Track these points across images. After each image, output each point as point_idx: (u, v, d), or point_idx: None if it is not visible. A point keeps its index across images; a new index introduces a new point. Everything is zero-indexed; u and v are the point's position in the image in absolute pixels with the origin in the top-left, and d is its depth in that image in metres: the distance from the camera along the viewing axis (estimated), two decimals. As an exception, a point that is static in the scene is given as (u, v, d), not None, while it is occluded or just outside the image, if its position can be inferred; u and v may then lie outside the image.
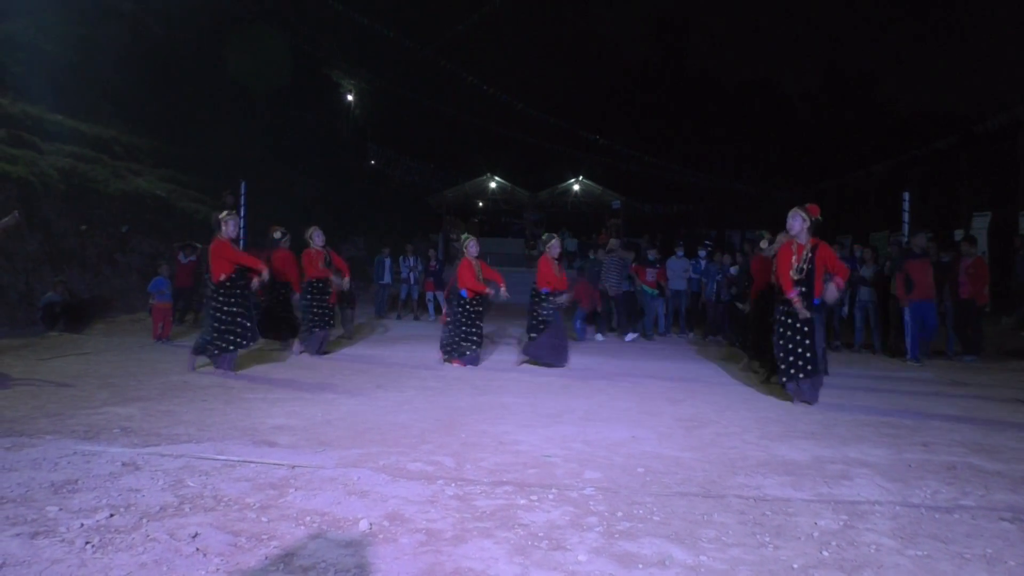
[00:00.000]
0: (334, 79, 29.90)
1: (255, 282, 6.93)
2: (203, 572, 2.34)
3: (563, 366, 7.70)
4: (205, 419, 4.66)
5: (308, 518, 2.85)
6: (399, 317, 13.60)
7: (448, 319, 7.94)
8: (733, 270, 11.27)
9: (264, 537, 2.63)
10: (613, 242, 12.68)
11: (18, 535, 2.56)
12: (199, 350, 6.72)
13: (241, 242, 8.57)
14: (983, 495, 3.39)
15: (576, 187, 24.88)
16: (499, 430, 4.58)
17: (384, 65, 28.22)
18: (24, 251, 10.64)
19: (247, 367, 7.04)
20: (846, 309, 10.24)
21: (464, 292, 7.70)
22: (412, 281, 13.62)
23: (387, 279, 13.75)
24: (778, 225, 6.09)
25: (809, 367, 5.60)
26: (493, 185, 25.01)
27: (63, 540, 2.53)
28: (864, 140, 27.34)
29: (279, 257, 8.59)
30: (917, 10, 33.55)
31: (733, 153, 32.47)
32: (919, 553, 2.64)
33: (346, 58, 28.15)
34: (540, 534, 2.75)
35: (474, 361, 7.73)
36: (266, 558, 2.45)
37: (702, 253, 12.00)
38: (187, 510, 2.90)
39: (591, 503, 3.14)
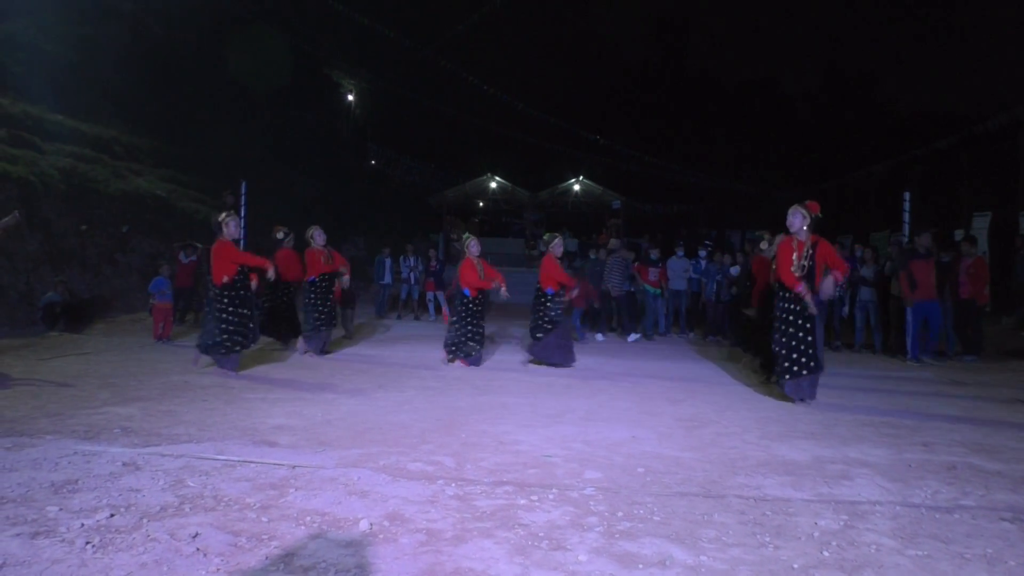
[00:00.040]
0: (334, 79, 29.91)
1: (254, 283, 6.95)
2: (203, 572, 2.34)
3: (571, 366, 7.73)
4: (205, 419, 4.66)
5: (308, 518, 2.85)
6: (399, 317, 13.60)
7: (452, 318, 7.95)
8: (733, 270, 11.27)
9: (264, 537, 2.63)
10: (614, 242, 12.68)
11: (18, 535, 2.56)
12: (206, 350, 6.71)
13: (241, 242, 8.57)
14: (983, 495, 3.39)
15: (576, 187, 24.87)
16: (499, 430, 4.58)
17: (384, 65, 28.23)
18: (24, 251, 10.64)
19: (247, 367, 7.03)
20: (846, 309, 10.24)
21: (467, 291, 7.71)
22: (412, 281, 13.62)
23: (387, 279, 13.75)
24: (778, 225, 6.09)
25: (812, 363, 5.60)
26: (493, 185, 25.00)
27: (63, 540, 2.53)
28: (864, 140, 27.33)
29: (282, 257, 8.62)
30: (917, 10, 33.60)
31: (733, 153, 32.46)
32: (919, 553, 2.64)
33: (346, 58, 28.16)
34: (540, 534, 2.75)
35: (476, 361, 7.74)
36: (266, 558, 2.45)
37: (702, 253, 12.00)
38: (187, 510, 2.90)
39: (591, 503, 3.14)
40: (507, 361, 8.33)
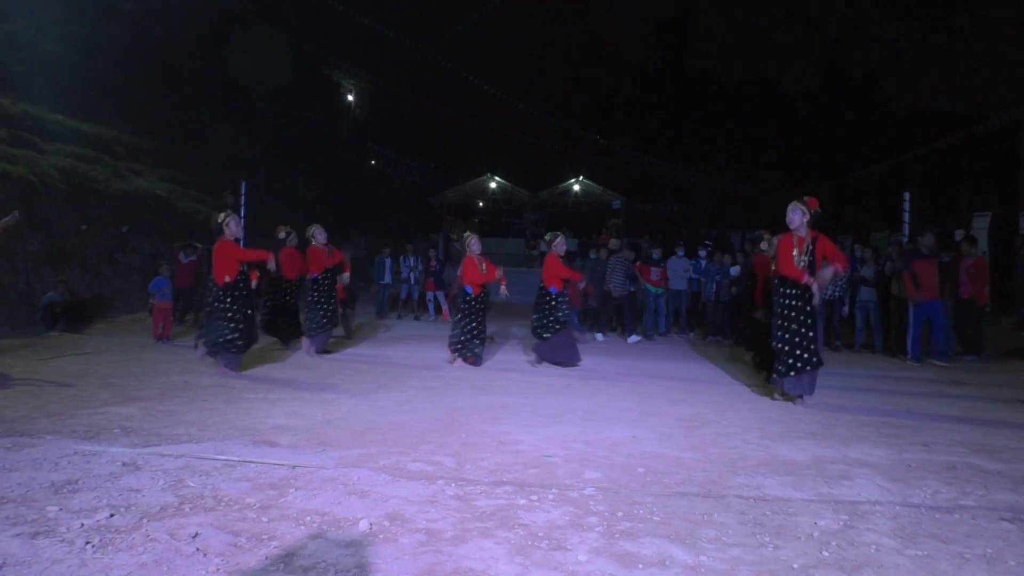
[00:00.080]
0: (334, 79, 29.91)
1: (255, 282, 6.97)
2: (203, 572, 2.34)
3: (576, 364, 7.74)
4: (205, 419, 4.66)
5: (308, 518, 2.85)
6: (399, 317, 13.60)
7: (456, 316, 7.95)
8: (733, 270, 11.27)
9: (264, 537, 2.63)
10: (614, 242, 12.67)
11: (18, 535, 2.56)
12: (215, 351, 6.69)
13: (242, 242, 8.60)
14: (983, 495, 3.39)
15: (576, 187, 24.86)
16: (499, 430, 4.58)
17: (384, 65, 28.23)
18: (25, 251, 10.64)
19: (247, 367, 7.03)
20: (846, 309, 10.24)
21: (469, 289, 7.71)
22: (412, 281, 13.62)
23: (387, 279, 13.75)
24: (778, 225, 6.09)
25: (815, 359, 5.61)
26: (493, 185, 25.00)
27: (63, 540, 2.53)
28: (864, 140, 27.32)
29: (285, 255, 8.68)
30: (917, 10, 33.56)
31: (733, 153, 32.45)
32: (919, 553, 2.64)
33: (346, 58, 28.15)
34: (540, 534, 2.75)
35: (478, 361, 7.75)
36: (266, 558, 2.45)
37: (702, 253, 12.00)
38: (187, 510, 2.90)
39: (591, 503, 3.14)
40: (507, 361, 8.33)
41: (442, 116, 27.70)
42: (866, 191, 21.32)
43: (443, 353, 8.12)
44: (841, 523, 2.95)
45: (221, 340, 6.59)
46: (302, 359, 7.92)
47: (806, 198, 5.85)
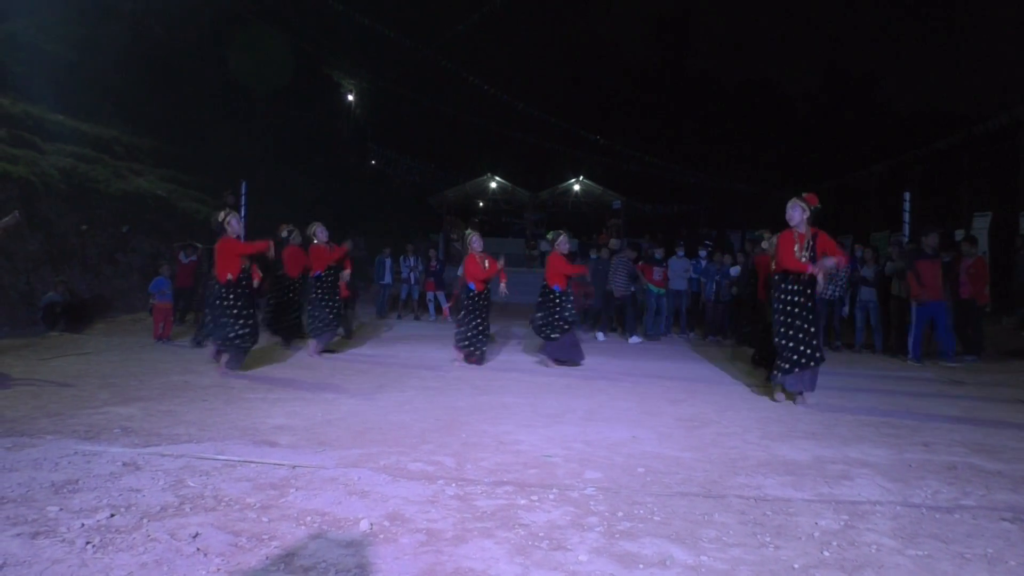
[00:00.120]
0: (334, 79, 29.91)
1: (257, 281, 6.99)
2: (204, 572, 2.34)
3: (581, 363, 7.76)
4: (206, 419, 4.66)
5: (309, 518, 2.85)
6: (400, 317, 13.61)
7: (460, 314, 7.95)
8: (734, 271, 11.27)
9: (265, 537, 2.63)
10: (615, 242, 12.68)
11: (19, 535, 2.56)
12: (226, 346, 6.69)
13: (242, 239, 8.63)
14: (984, 495, 3.39)
15: (576, 187, 24.86)
16: (500, 430, 4.58)
17: (384, 65, 28.24)
18: (25, 251, 10.64)
19: (247, 367, 7.02)
20: (846, 309, 10.24)
21: (472, 285, 7.72)
22: (412, 281, 13.63)
23: (388, 279, 13.76)
24: (778, 224, 6.09)
25: (818, 354, 5.60)
26: (493, 185, 24.99)
27: (64, 540, 2.53)
28: (864, 140, 27.32)
29: (288, 253, 8.71)
30: (917, 10, 33.57)
31: (733, 153, 32.46)
32: (920, 553, 2.64)
33: (346, 58, 28.16)
34: (541, 534, 2.75)
35: (482, 360, 7.75)
36: (267, 558, 2.45)
37: (702, 253, 12.00)
38: (188, 510, 2.90)
39: (592, 503, 3.14)
40: (507, 361, 8.33)
41: (442, 116, 27.72)
42: (866, 191, 21.32)
43: (443, 353, 8.13)
44: (842, 523, 2.95)
45: (231, 335, 6.61)
46: (302, 359, 7.92)
47: (805, 194, 5.85)
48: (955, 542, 2.75)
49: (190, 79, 18.49)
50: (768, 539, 2.75)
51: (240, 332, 6.61)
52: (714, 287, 11.54)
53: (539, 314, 7.89)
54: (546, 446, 4.18)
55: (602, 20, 48.86)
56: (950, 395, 6.46)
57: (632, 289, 11.18)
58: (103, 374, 6.46)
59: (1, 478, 3.22)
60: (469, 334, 7.67)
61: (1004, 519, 3.03)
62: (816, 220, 5.81)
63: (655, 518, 2.97)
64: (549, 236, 8.44)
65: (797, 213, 5.73)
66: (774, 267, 5.91)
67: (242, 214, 11.37)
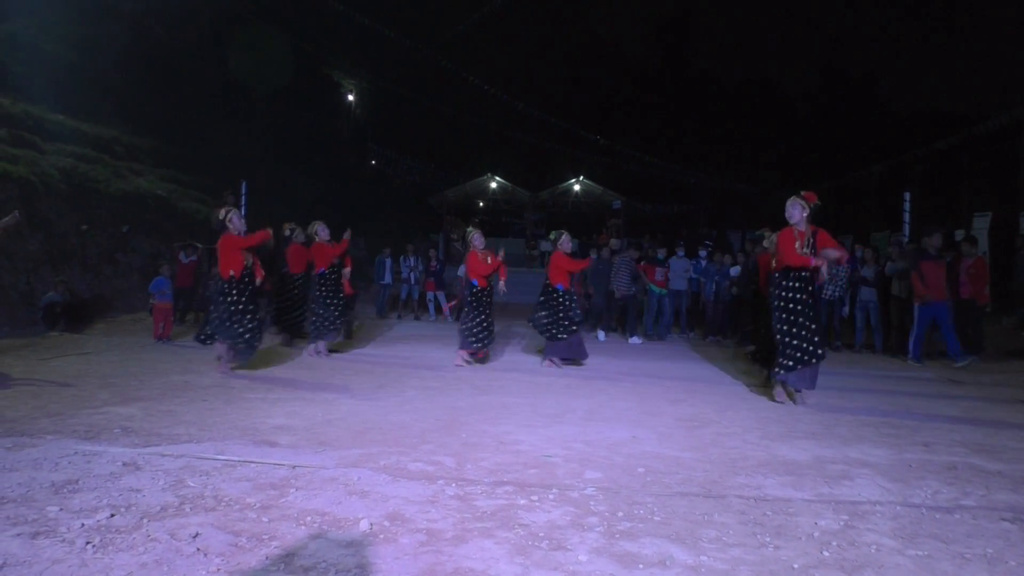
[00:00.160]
0: (334, 79, 29.91)
1: (260, 280, 6.99)
2: (204, 572, 2.34)
3: (584, 361, 7.78)
4: (206, 419, 4.66)
5: (309, 518, 2.85)
6: (400, 317, 13.61)
7: (465, 311, 7.95)
8: (734, 271, 11.27)
9: (265, 537, 2.63)
10: (615, 242, 12.68)
11: (19, 535, 2.56)
12: (234, 342, 6.68)
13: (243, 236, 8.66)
14: (984, 495, 3.39)
15: (577, 187, 24.86)
16: (500, 430, 4.58)
17: (384, 65, 28.23)
18: (25, 251, 10.65)
19: (247, 367, 7.03)
20: (846, 309, 10.24)
21: (475, 282, 7.73)
22: (412, 281, 13.63)
23: (388, 279, 13.76)
24: (778, 225, 6.09)
25: (820, 351, 5.60)
26: (494, 185, 24.99)
27: (64, 540, 2.53)
28: (864, 140, 27.31)
29: (291, 251, 8.75)
30: (917, 10, 33.56)
31: (733, 153, 32.47)
32: (920, 553, 2.64)
33: (346, 58, 28.15)
34: (541, 534, 2.75)
35: (486, 357, 7.76)
36: (267, 558, 2.45)
37: (702, 253, 12.00)
38: (188, 510, 2.90)
39: (592, 503, 3.14)
40: (507, 361, 8.33)
41: (442, 116, 27.70)
42: (866, 191, 21.31)
43: (443, 353, 8.13)
44: (841, 523, 2.95)
45: (242, 332, 6.62)
46: (303, 359, 7.92)
47: (803, 192, 5.86)
48: (955, 542, 2.75)
49: (190, 79, 18.49)
50: (768, 539, 2.75)
51: (249, 327, 6.64)
52: (714, 287, 11.54)
53: (543, 313, 7.88)
54: (546, 446, 4.18)
55: (602, 20, 48.80)
56: (950, 395, 6.46)
57: (634, 289, 11.18)
58: (103, 374, 6.46)
59: (1, 478, 3.22)
60: (475, 330, 7.68)
61: (1004, 519, 3.03)
62: (816, 219, 5.82)
63: (655, 518, 2.97)
64: (552, 236, 8.48)
65: (797, 211, 5.74)
66: (775, 264, 5.92)
67: (242, 214, 11.37)
